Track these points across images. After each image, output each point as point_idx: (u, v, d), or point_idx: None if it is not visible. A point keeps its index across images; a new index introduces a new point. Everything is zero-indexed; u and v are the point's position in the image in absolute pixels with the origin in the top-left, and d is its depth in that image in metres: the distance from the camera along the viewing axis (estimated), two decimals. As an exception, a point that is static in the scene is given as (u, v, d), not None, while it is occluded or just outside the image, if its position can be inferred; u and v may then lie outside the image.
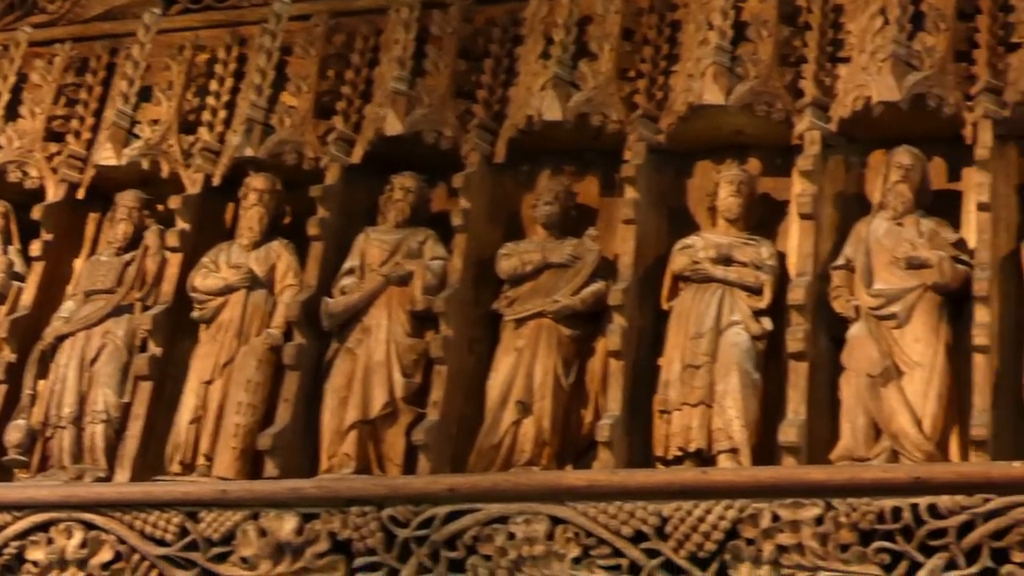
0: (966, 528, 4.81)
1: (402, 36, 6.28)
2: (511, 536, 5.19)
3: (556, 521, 5.18)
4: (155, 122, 6.53)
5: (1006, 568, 4.75)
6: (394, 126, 6.11)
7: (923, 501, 4.86)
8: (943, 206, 5.58)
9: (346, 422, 5.68)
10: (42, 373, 6.13)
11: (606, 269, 5.77)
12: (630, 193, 5.76)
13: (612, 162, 5.91)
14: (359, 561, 5.35)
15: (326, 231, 6.07)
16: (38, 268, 6.42)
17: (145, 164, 6.41)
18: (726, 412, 5.32)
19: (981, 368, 5.12)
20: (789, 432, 5.15)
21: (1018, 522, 4.76)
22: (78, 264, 6.48)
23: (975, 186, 5.42)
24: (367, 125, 6.21)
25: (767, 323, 5.48)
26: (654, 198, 5.86)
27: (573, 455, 5.58)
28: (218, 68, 6.60)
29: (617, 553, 5.11)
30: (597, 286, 5.72)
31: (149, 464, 5.87)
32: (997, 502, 4.80)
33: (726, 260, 5.59)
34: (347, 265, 5.99)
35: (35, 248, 6.42)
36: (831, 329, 5.43)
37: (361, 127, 6.24)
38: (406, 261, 5.93)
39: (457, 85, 6.24)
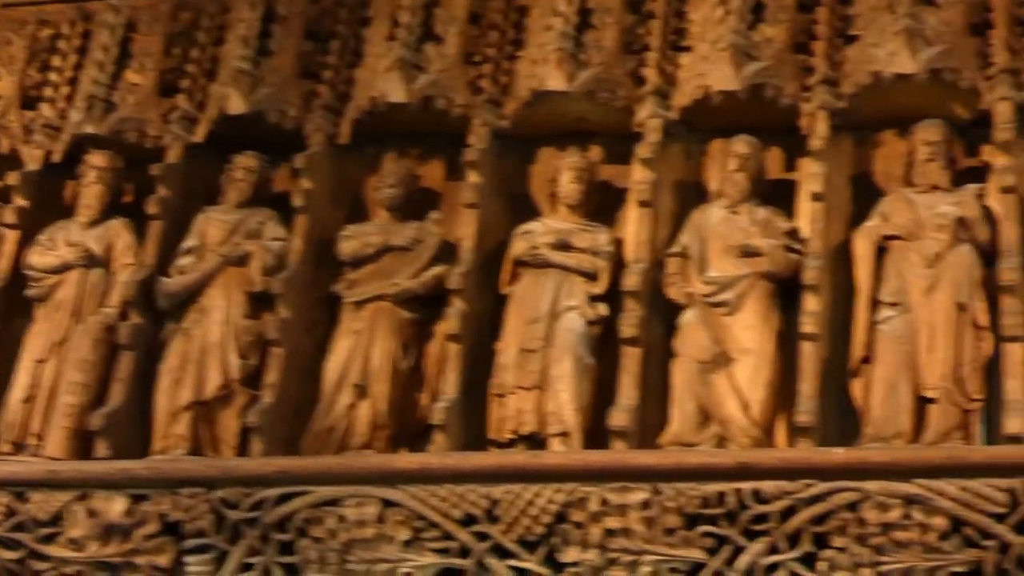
0: (788, 513, 4.86)
1: (248, 15, 6.23)
2: (342, 519, 5.17)
3: (387, 504, 5.17)
4: (-4, 97, 6.43)
5: (826, 553, 4.81)
6: (237, 105, 6.05)
7: (747, 486, 4.91)
8: (780, 195, 5.63)
9: (180, 403, 5.62)
10: None
11: (447, 253, 5.77)
12: (472, 177, 5.76)
13: (456, 146, 5.89)
14: (189, 543, 5.30)
15: (166, 210, 6.00)
16: None
17: (-16, 139, 6.32)
18: (559, 396, 5.35)
19: (809, 356, 5.18)
20: (619, 417, 5.18)
21: (839, 508, 4.83)
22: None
23: (809, 176, 5.49)
24: (210, 104, 6.15)
25: (603, 309, 5.51)
26: (497, 183, 5.86)
27: (409, 438, 5.57)
28: (61, 44, 6.49)
29: (447, 536, 5.11)
30: (438, 270, 5.72)
31: (-21, 443, 5.78)
32: (819, 488, 4.86)
33: (565, 246, 5.61)
34: (185, 244, 5.93)
35: None
36: (665, 315, 5.47)
37: (205, 106, 6.18)
38: (245, 241, 5.88)
39: (303, 65, 6.20)
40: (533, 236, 5.66)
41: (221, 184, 6.09)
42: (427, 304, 5.72)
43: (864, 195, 5.57)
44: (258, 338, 5.72)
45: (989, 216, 5.32)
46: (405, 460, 5.31)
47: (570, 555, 5.00)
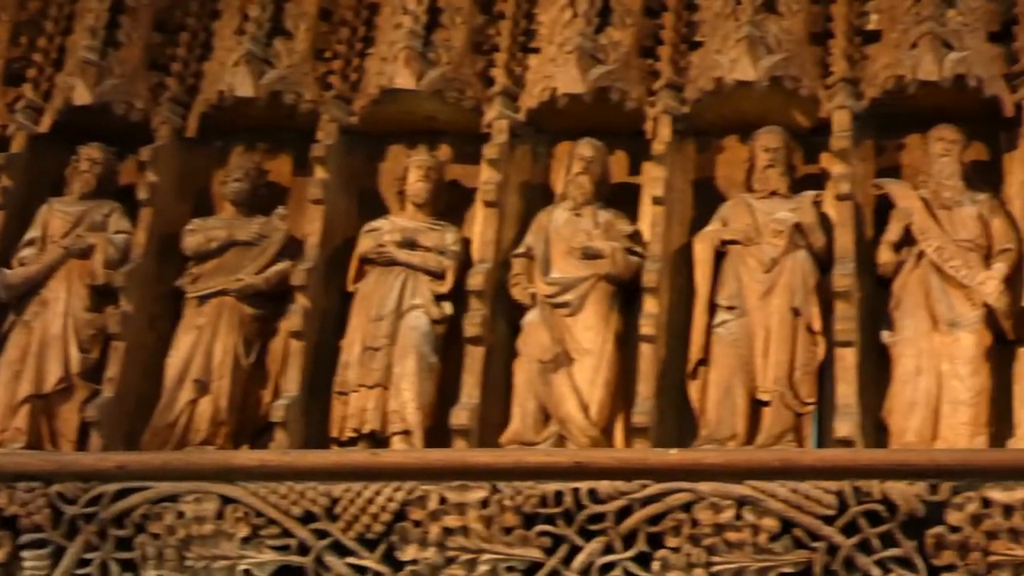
0: (624, 513, 4.93)
1: (96, 5, 6.16)
2: (180, 515, 5.14)
3: (226, 500, 5.14)
4: None
5: (660, 553, 4.88)
6: (83, 96, 5.98)
7: (584, 486, 4.96)
8: (624, 198, 5.71)
9: (18, 396, 5.55)
10: None
11: (293, 249, 5.75)
12: (320, 173, 5.76)
13: (305, 141, 5.87)
14: (25, 538, 5.23)
15: (10, 201, 5.92)
16: None
17: None
18: (401, 395, 5.37)
19: (647, 357, 5.26)
20: (461, 415, 5.22)
21: (673, 508, 4.90)
22: None
23: (651, 180, 5.56)
24: (56, 94, 6.07)
25: (447, 308, 5.55)
26: (344, 180, 5.86)
27: (251, 435, 5.56)
28: (-96, 32, 6.37)
29: (286, 533, 5.10)
30: (282, 266, 5.71)
31: None
32: (654, 488, 4.93)
33: (411, 244, 5.63)
34: (28, 236, 5.85)
35: None
36: (510, 315, 5.52)
37: (51, 96, 6.10)
38: (88, 234, 5.82)
39: (151, 57, 6.15)
40: (380, 234, 5.67)
41: (67, 175, 6.01)
42: (271, 300, 5.71)
43: (706, 199, 5.66)
44: (99, 331, 5.66)
45: (826, 223, 5.43)
46: (244, 457, 5.29)
47: (409, 553, 5.03)
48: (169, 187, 5.91)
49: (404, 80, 5.77)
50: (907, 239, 5.31)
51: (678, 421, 5.32)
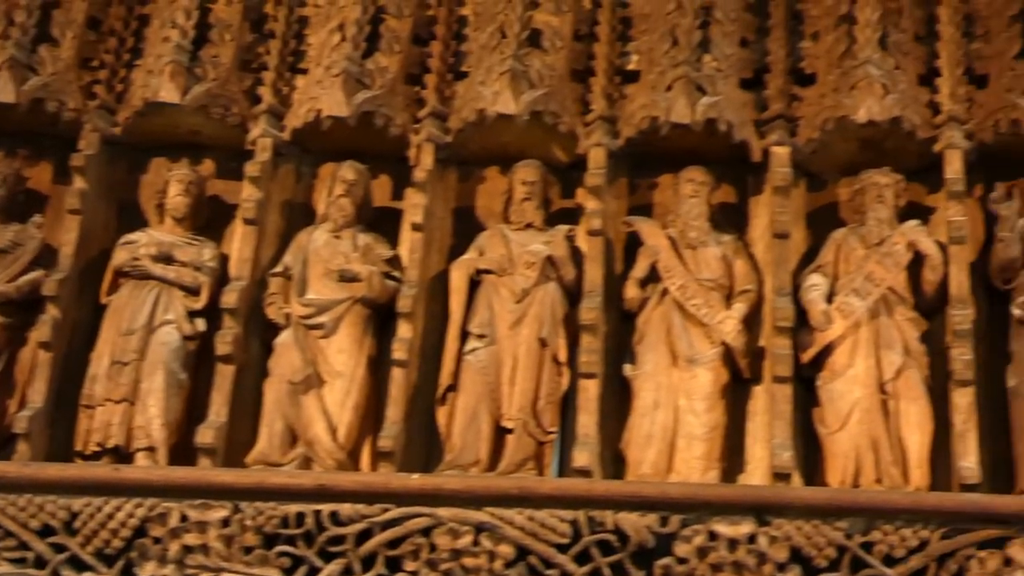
0: (364, 536, 4.99)
1: None
2: (-85, 525, 5.06)
3: (-33, 513, 5.08)
4: None
5: (398, 576, 4.97)
6: None
7: (326, 508, 5.01)
8: (386, 223, 5.77)
9: None
10: None
11: (48, 258, 5.68)
12: (78, 183, 5.70)
13: (67, 150, 5.80)
14: None
15: None
16: None
17: None
18: (148, 410, 5.35)
19: (398, 382, 5.33)
20: (206, 434, 5.23)
21: (413, 532, 4.98)
22: None
23: (412, 207, 5.63)
24: None
25: (200, 324, 5.54)
26: (104, 190, 5.81)
27: (-4, 445, 5.48)
28: None
29: (23, 546, 5.05)
30: (34, 275, 5.63)
31: None
32: (394, 512, 5.00)
33: (167, 259, 5.61)
34: None
35: None
36: (264, 335, 5.54)
37: None
38: None
39: None
40: (136, 247, 5.63)
41: None
42: (22, 309, 5.62)
43: (466, 228, 5.75)
44: None
45: (578, 256, 5.55)
46: (-16, 468, 5.22)
47: (147, 570, 5.02)
48: (-74, 191, 5.80)
49: (169, 94, 5.75)
50: (653, 276, 5.46)
51: (426, 446, 5.40)
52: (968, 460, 4.99)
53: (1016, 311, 5.22)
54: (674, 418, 5.24)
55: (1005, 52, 5.58)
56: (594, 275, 5.44)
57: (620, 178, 5.71)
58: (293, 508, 5.02)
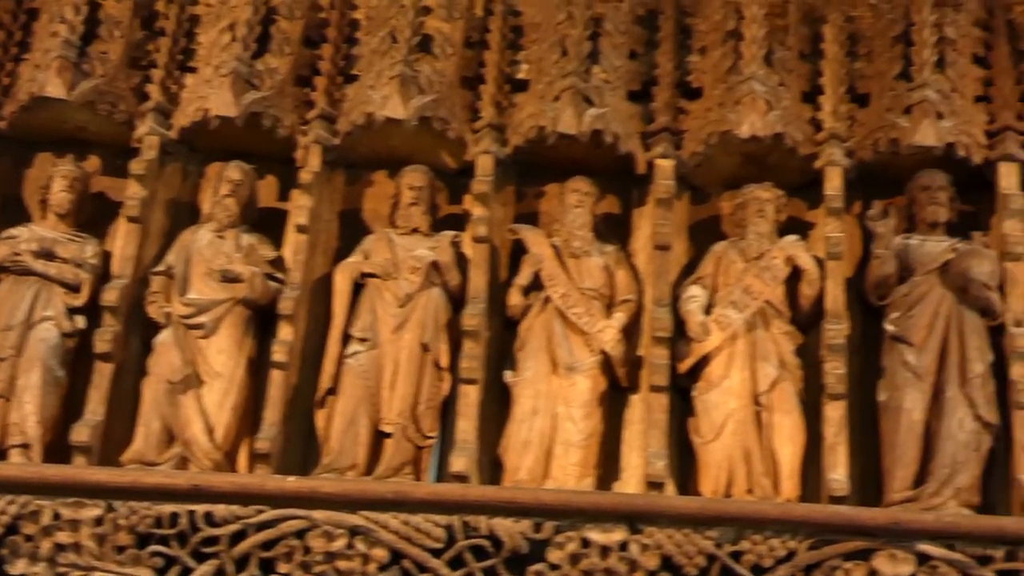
0: (238, 537, 4.98)
1: None
2: None
3: None
4: None
5: (271, 578, 4.97)
6: None
7: (200, 508, 5.00)
8: (273, 224, 5.75)
9: None
10: None
11: (-72, 251, 5.62)
12: (-38, 177, 5.66)
13: (-48, 146, 5.78)
14: None
15: None
16: None
17: None
18: (24, 407, 5.30)
19: (277, 383, 5.32)
20: (82, 432, 5.20)
21: (287, 535, 4.97)
22: None
23: (297, 208, 5.62)
24: None
25: (80, 321, 5.49)
26: (-11, 186, 5.78)
27: None
28: None
29: None
30: (-88, 268, 5.57)
31: None
32: (269, 514, 4.99)
33: (48, 255, 5.56)
34: None
35: None
36: (145, 333, 5.51)
37: None
38: None
39: None
40: (17, 242, 5.58)
41: None
42: (-101, 306, 5.56)
43: (352, 231, 5.75)
44: None
45: (463, 263, 5.57)
46: None
47: (18, 567, 4.98)
48: None
49: (55, 89, 5.70)
50: (537, 284, 5.49)
51: (304, 449, 5.40)
52: (837, 472, 5.07)
53: (889, 327, 5.31)
54: (552, 425, 5.27)
55: (886, 72, 5.67)
56: (478, 281, 5.46)
57: (507, 186, 5.75)
58: (167, 508, 5.01)
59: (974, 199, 5.59)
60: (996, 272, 5.33)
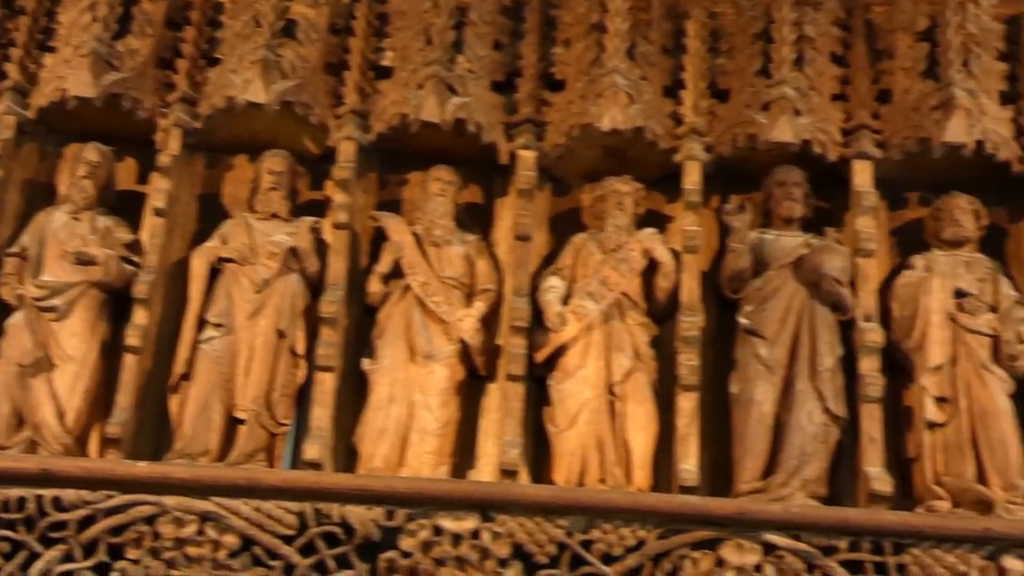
0: (87, 522, 4.92)
1: None
2: None
3: None
4: None
5: (120, 564, 4.90)
6: None
7: (49, 493, 4.94)
8: (132, 206, 5.68)
9: None
10: None
11: None
12: None
13: None
14: None
15: None
16: None
17: None
18: None
19: (131, 368, 5.26)
20: (-72, 416, 5.11)
21: (136, 520, 4.93)
22: None
23: (155, 191, 5.57)
24: None
25: (-70, 303, 5.41)
26: None
27: None
28: None
29: None
30: None
31: None
32: (118, 499, 4.95)
33: (-103, 234, 5.47)
34: None
35: None
36: (-2, 316, 5.43)
37: None
38: None
39: None
40: None
41: None
42: None
43: (211, 215, 5.71)
44: None
45: (322, 249, 5.55)
46: None
47: None
48: None
49: (-91, 67, 5.61)
50: (397, 272, 5.49)
51: (157, 434, 5.34)
52: (688, 463, 5.12)
53: (742, 320, 5.38)
54: (408, 413, 5.27)
55: (747, 68, 5.74)
56: (337, 268, 5.44)
57: (369, 172, 5.74)
58: (15, 492, 4.94)
59: (829, 196, 5.67)
60: (848, 268, 5.42)
